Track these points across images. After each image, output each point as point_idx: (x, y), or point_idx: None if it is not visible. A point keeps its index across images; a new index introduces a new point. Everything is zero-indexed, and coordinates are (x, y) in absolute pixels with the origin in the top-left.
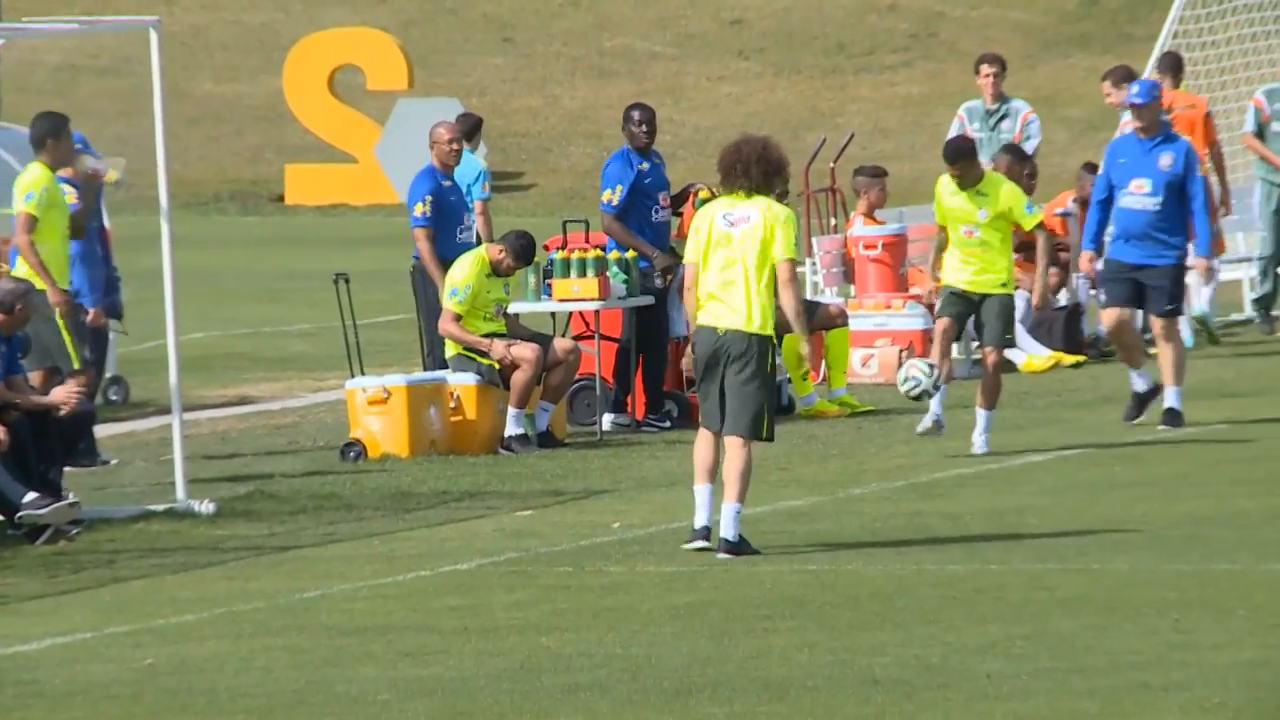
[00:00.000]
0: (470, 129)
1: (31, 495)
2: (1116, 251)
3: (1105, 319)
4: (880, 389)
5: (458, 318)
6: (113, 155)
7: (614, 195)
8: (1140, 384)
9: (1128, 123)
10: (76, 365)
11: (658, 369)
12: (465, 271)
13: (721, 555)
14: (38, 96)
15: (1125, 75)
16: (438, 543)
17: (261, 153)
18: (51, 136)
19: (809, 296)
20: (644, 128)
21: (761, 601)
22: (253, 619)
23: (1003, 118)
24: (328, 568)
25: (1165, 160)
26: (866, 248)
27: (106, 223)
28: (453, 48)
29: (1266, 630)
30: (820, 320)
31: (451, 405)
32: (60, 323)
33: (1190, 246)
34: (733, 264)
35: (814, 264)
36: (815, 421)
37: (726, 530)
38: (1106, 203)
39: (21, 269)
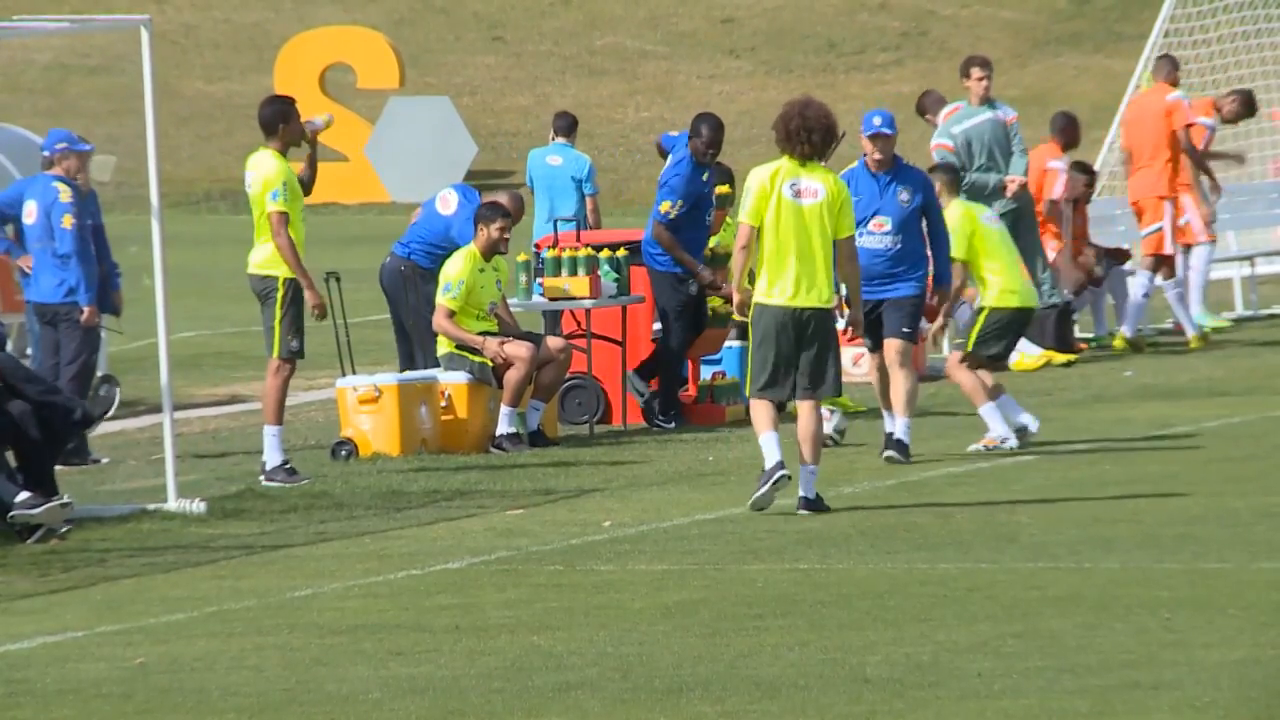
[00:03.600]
0: (569, 125)
1: (24, 495)
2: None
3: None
4: (871, 388)
5: (451, 314)
6: (104, 154)
7: (673, 209)
8: (900, 430)
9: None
10: (275, 354)
11: (679, 369)
12: (459, 267)
13: (801, 511)
14: (28, 95)
15: (939, 100)
16: (429, 541)
17: (252, 152)
18: (283, 121)
19: None
20: (711, 151)
21: (753, 600)
22: (243, 618)
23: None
24: (318, 566)
25: (904, 195)
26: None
27: (101, 220)
28: (443, 46)
29: (1257, 629)
30: None
31: (442, 404)
32: (278, 311)
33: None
34: (805, 239)
35: None
36: None
37: (807, 490)
38: None
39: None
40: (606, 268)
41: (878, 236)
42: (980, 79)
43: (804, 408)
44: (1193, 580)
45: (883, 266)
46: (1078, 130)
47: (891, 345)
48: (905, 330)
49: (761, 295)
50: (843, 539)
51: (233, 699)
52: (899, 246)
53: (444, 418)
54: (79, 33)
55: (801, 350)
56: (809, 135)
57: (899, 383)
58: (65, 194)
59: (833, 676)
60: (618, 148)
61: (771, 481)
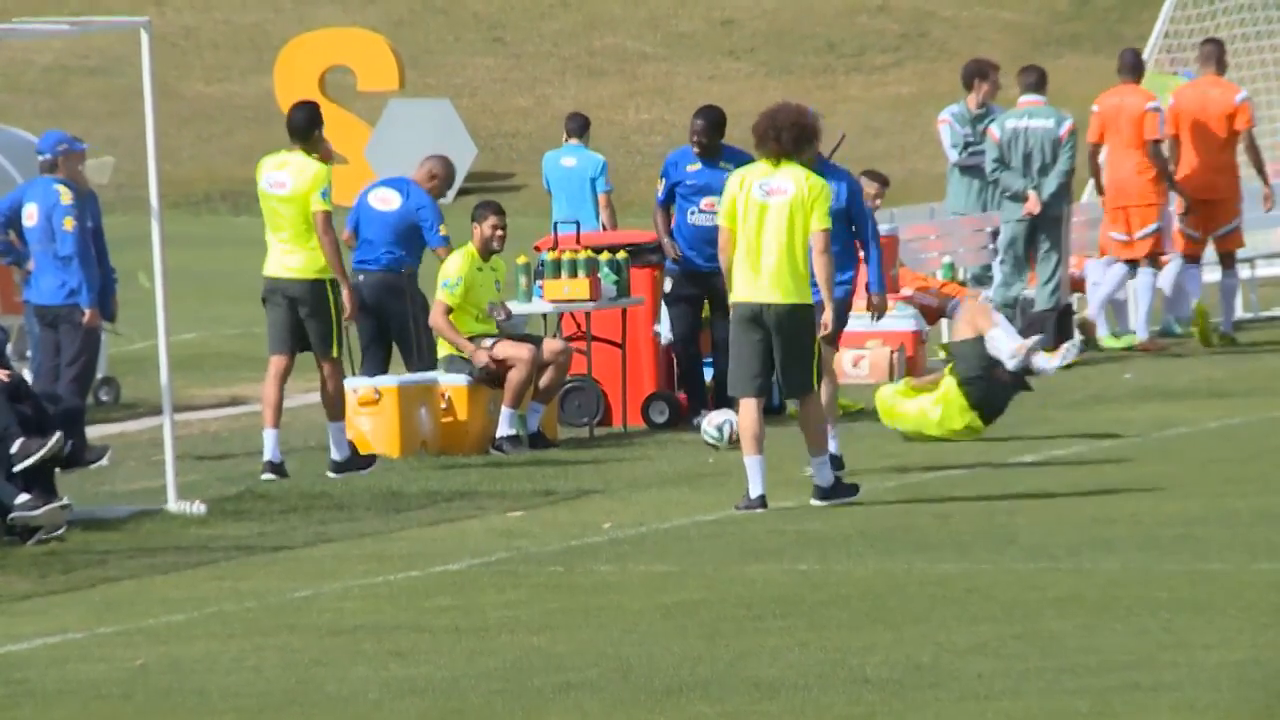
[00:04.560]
0: (582, 126)
1: (24, 496)
2: None
3: None
4: (871, 389)
5: (449, 310)
6: (103, 156)
7: (659, 188)
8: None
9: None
10: (335, 354)
11: (690, 365)
12: (458, 264)
13: (815, 503)
14: (28, 96)
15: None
16: (429, 543)
17: (252, 153)
18: (318, 126)
19: None
20: (695, 136)
21: (752, 601)
22: (243, 619)
23: (989, 123)
24: (318, 567)
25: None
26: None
27: (101, 223)
28: (443, 48)
29: (1257, 630)
30: None
31: (442, 406)
32: (334, 312)
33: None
34: (771, 237)
35: None
36: None
37: (820, 479)
38: None
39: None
40: (606, 270)
41: None
42: (997, 84)
43: (802, 403)
44: (1193, 581)
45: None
46: (1144, 64)
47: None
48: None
49: (733, 293)
50: (842, 540)
51: (233, 700)
52: None
53: (444, 419)
54: (79, 34)
55: (774, 347)
56: (778, 135)
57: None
58: (66, 196)
59: (832, 677)
60: (618, 149)
61: (748, 510)
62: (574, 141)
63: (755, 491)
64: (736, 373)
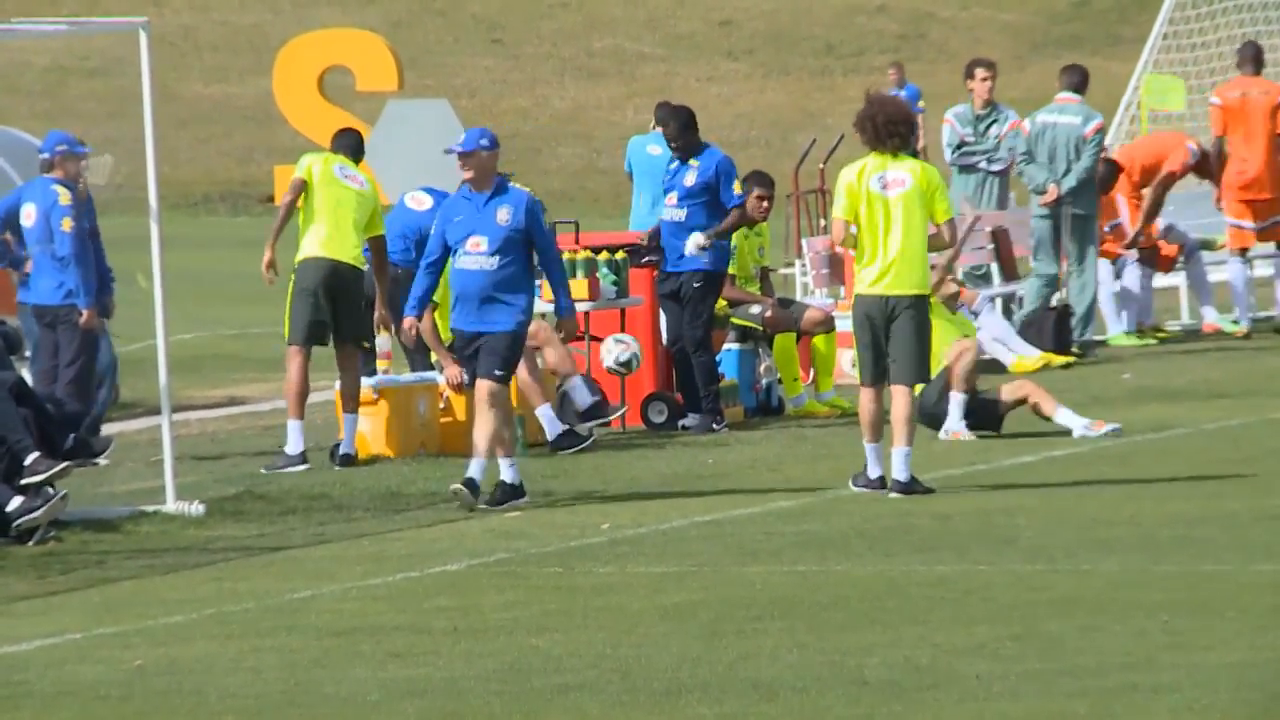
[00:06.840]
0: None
1: (19, 498)
2: (457, 319)
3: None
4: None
5: (434, 308)
6: (101, 156)
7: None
8: (476, 471)
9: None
10: (365, 345)
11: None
12: None
13: (893, 495)
14: (27, 97)
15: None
16: (427, 543)
17: (251, 154)
18: (362, 147)
19: (797, 297)
20: (672, 143)
21: (751, 602)
22: (242, 620)
23: (992, 123)
24: (317, 568)
25: (503, 215)
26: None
27: (97, 224)
28: (442, 49)
29: (1255, 631)
30: (806, 325)
31: (441, 406)
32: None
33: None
34: (891, 229)
35: (803, 265)
36: (805, 422)
37: (899, 473)
38: (439, 264)
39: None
40: (605, 270)
41: (474, 257)
42: (985, 80)
43: (895, 391)
44: (1191, 583)
45: (481, 290)
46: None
47: (482, 386)
48: (497, 373)
49: (857, 286)
50: (841, 541)
51: (231, 701)
52: (497, 269)
53: (442, 419)
54: (77, 35)
55: (891, 336)
56: (896, 128)
57: (484, 424)
58: (65, 197)
59: (831, 679)
60: (616, 150)
61: (868, 488)
62: (660, 130)
63: (874, 473)
64: (866, 365)
